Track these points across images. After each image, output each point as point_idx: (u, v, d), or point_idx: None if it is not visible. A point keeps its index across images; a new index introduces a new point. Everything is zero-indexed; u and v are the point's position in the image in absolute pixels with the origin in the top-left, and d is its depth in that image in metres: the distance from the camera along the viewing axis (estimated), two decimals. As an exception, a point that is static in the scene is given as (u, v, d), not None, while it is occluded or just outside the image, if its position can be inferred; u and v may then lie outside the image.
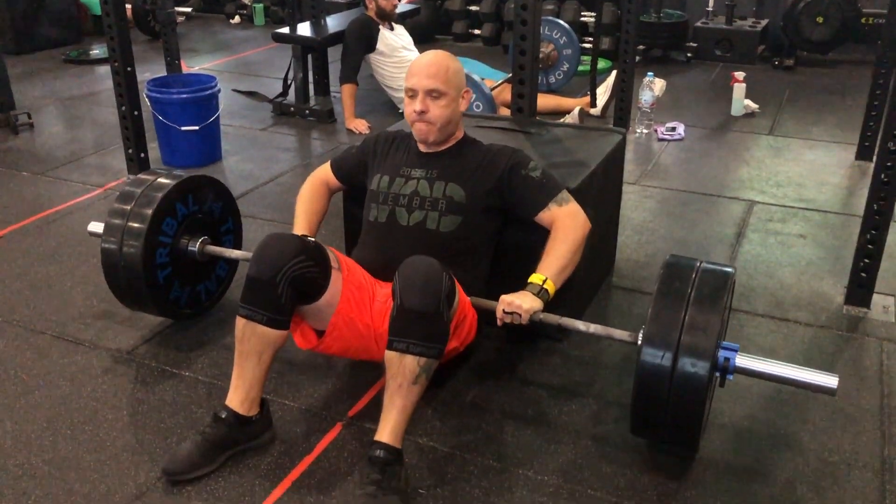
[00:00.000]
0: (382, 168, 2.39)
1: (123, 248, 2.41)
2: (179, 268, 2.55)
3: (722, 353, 1.91)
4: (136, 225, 2.42)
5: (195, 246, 2.54)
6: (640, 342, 1.89)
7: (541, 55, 4.94)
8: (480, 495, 1.97)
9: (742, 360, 1.93)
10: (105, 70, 5.45)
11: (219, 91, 4.23)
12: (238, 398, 2.05)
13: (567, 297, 2.55)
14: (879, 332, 2.66)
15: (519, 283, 2.14)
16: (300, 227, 2.42)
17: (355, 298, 2.12)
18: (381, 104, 5.18)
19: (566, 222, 2.22)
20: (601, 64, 5.53)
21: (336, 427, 2.21)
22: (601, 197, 2.71)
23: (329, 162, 2.57)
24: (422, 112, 2.24)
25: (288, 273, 1.98)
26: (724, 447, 2.15)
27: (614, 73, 4.79)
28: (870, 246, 2.71)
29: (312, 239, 2.18)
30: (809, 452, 2.13)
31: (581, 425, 2.23)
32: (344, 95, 4.76)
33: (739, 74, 5.06)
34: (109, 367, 2.48)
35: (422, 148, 2.36)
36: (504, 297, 2.09)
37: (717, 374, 1.92)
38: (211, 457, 2.02)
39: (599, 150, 2.74)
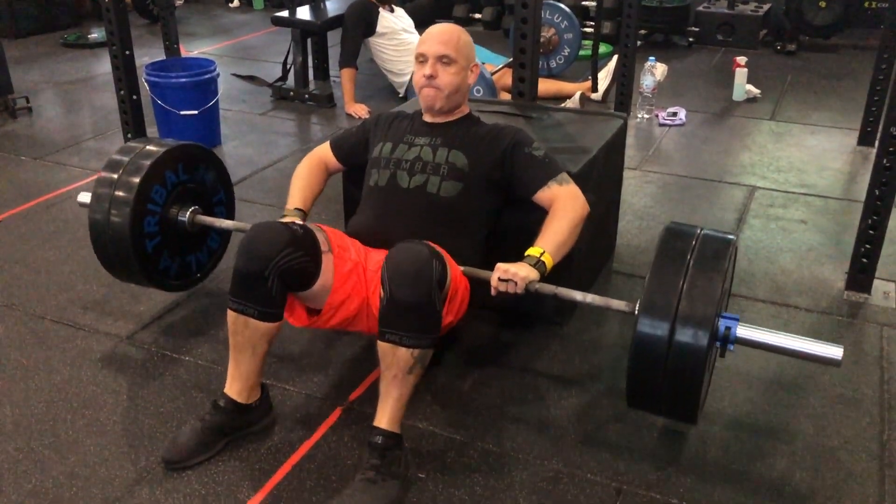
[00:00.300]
0: (385, 138, 2.38)
1: (111, 216, 2.36)
2: (169, 238, 2.49)
3: (722, 323, 1.85)
4: (123, 193, 2.36)
5: (185, 216, 2.48)
6: (636, 311, 1.85)
7: (542, 39, 4.92)
8: (480, 479, 1.97)
9: (743, 331, 1.87)
10: (104, 54, 5.43)
11: (218, 75, 4.21)
12: (236, 388, 2.05)
13: (567, 282, 2.55)
14: (880, 318, 2.65)
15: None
16: (295, 201, 2.38)
17: (348, 277, 2.08)
18: (381, 89, 5.16)
19: (566, 202, 2.21)
20: (602, 48, 5.50)
21: (336, 412, 2.21)
22: (602, 182, 2.70)
23: (328, 141, 2.55)
24: (431, 77, 2.24)
25: (277, 266, 1.93)
26: (723, 432, 2.15)
27: (615, 57, 4.76)
28: (871, 231, 2.71)
29: (300, 223, 2.13)
30: (808, 437, 2.13)
31: (580, 410, 2.23)
32: (343, 80, 4.74)
33: (741, 59, 5.03)
34: (109, 352, 2.48)
35: (427, 118, 2.35)
36: (500, 265, 2.03)
37: (718, 343, 1.86)
38: (210, 443, 2.02)
39: (600, 135, 2.72)
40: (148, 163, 2.40)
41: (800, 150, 4.15)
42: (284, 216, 2.30)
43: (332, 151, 2.52)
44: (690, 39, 6.28)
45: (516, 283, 2.00)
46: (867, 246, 2.72)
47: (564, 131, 2.76)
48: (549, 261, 2.08)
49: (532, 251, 2.09)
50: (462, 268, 2.13)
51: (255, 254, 1.94)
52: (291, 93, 4.98)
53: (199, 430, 2.02)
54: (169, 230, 2.49)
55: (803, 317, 2.67)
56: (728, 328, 1.86)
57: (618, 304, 2.03)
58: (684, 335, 1.76)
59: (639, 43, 5.13)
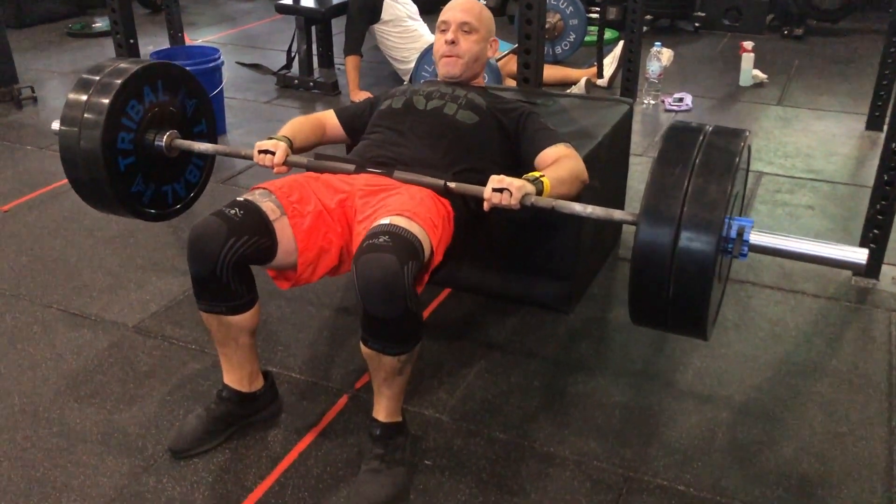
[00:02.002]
0: (399, 88, 2.38)
1: (83, 127, 2.19)
2: (144, 161, 2.30)
3: (734, 225, 1.69)
4: (98, 100, 2.19)
5: (162, 139, 2.29)
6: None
7: (547, 25, 4.89)
8: (487, 466, 1.97)
9: (757, 237, 1.70)
10: (108, 43, 5.41)
11: (222, 63, 4.19)
12: (234, 378, 2.04)
13: (572, 269, 2.54)
14: (888, 304, 2.64)
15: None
16: (284, 132, 2.23)
17: (313, 229, 1.97)
18: (386, 76, 5.14)
19: (570, 157, 2.12)
20: (608, 34, 5.47)
21: (342, 399, 2.21)
22: (608, 168, 2.68)
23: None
24: (452, 42, 2.26)
25: (226, 261, 1.87)
26: (731, 418, 2.14)
27: (621, 43, 4.74)
28: (879, 216, 2.69)
29: (240, 200, 1.97)
30: (816, 423, 2.12)
31: (587, 397, 2.22)
32: (348, 67, 4.72)
33: (748, 44, 5.00)
34: (116, 341, 2.48)
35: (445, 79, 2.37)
36: (494, 176, 1.87)
37: (730, 247, 1.69)
38: (216, 432, 2.03)
39: (606, 121, 2.71)
40: (124, 75, 2.23)
41: (807, 136, 4.13)
42: (270, 138, 2.17)
43: (335, 112, 2.42)
44: (697, 24, 6.23)
45: (511, 194, 1.84)
46: (875, 231, 2.71)
47: (570, 117, 2.75)
48: (547, 184, 1.92)
49: (531, 174, 1.96)
50: (454, 184, 1.98)
51: (200, 256, 1.88)
52: (296, 81, 4.97)
53: (204, 419, 2.02)
54: (145, 152, 2.29)
55: (811, 302, 2.66)
56: (740, 234, 1.69)
57: (620, 214, 1.86)
58: (689, 239, 1.60)
59: (644, 28, 5.10)
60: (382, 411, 1.91)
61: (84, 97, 2.22)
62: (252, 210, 1.94)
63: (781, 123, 4.32)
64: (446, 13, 2.32)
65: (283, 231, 1.95)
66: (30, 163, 3.89)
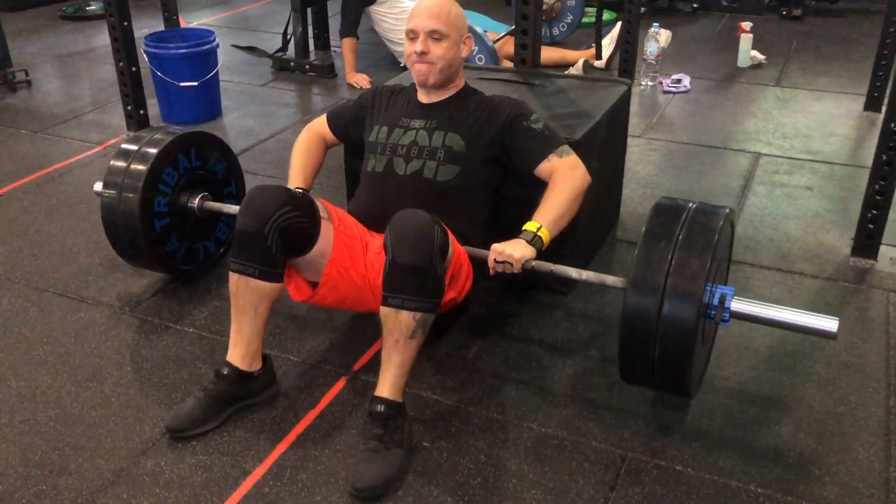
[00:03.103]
0: (381, 119, 2.37)
1: (123, 192, 2.40)
2: (178, 221, 2.53)
3: (715, 296, 1.86)
4: (137, 167, 2.41)
5: (195, 202, 2.53)
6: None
7: (544, 6, 4.86)
8: (485, 447, 1.98)
9: (737, 304, 1.88)
10: (102, 26, 5.38)
11: (217, 46, 4.17)
12: (238, 353, 2.05)
13: (570, 251, 2.54)
14: (886, 284, 2.64)
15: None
16: (295, 180, 2.40)
17: (348, 249, 2.10)
18: (383, 58, 5.11)
19: (566, 173, 2.18)
20: (606, 15, 5.44)
21: (340, 381, 2.21)
22: (606, 149, 2.67)
23: (325, 115, 2.53)
24: (422, 53, 2.21)
25: (276, 224, 1.96)
26: (728, 399, 2.14)
27: (619, 24, 4.71)
28: (878, 197, 2.68)
29: (300, 190, 2.14)
30: (814, 404, 2.12)
31: (585, 379, 2.22)
32: (344, 49, 4.70)
33: (746, 25, 4.97)
34: (112, 324, 2.48)
35: (422, 98, 2.33)
36: (495, 247, 2.03)
37: (712, 313, 1.86)
38: (214, 413, 2.02)
39: (604, 101, 2.69)
40: (163, 144, 2.45)
41: (805, 116, 4.12)
42: None
43: (329, 126, 2.51)
44: (695, 5, 6.20)
45: (512, 265, 2.01)
46: (874, 211, 2.70)
47: (567, 98, 2.73)
48: (545, 235, 2.07)
49: (529, 226, 2.07)
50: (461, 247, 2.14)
51: (254, 212, 1.97)
52: (292, 63, 4.94)
53: (202, 399, 2.02)
54: (178, 214, 2.52)
55: (809, 283, 2.66)
56: (722, 299, 1.85)
57: (612, 280, 2.03)
58: (672, 310, 1.77)
59: (642, 9, 5.07)
60: (387, 386, 1.90)
61: (124, 164, 2.45)
62: (309, 196, 2.11)
63: (780, 104, 4.31)
64: (413, 20, 2.21)
65: (326, 232, 2.08)
66: (24, 147, 3.87)
